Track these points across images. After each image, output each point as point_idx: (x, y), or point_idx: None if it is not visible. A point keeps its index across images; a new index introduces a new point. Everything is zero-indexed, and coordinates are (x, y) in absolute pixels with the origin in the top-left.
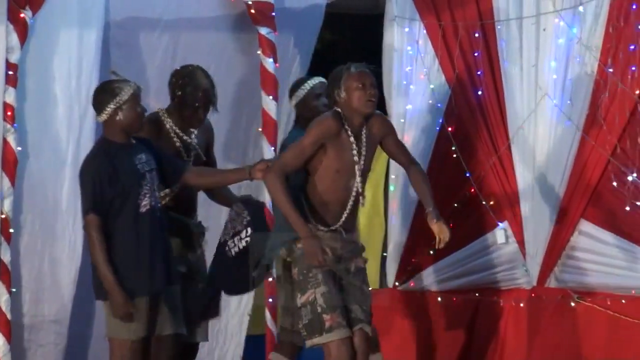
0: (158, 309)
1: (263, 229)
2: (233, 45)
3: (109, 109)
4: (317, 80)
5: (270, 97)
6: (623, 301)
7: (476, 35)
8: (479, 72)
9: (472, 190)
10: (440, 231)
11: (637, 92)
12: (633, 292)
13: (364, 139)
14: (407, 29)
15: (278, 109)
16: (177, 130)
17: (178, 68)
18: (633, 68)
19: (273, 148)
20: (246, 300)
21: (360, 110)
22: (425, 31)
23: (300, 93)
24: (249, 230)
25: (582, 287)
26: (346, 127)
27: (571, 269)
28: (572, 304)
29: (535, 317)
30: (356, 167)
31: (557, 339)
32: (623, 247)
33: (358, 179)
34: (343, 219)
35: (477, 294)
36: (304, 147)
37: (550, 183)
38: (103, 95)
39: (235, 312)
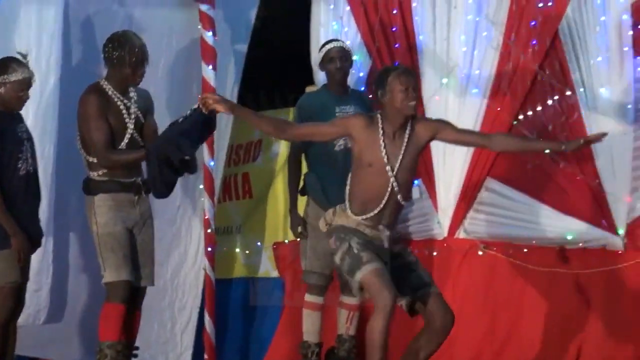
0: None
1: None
2: (179, 20)
3: None
4: (331, 44)
5: (210, 67)
6: (525, 250)
7: (394, 12)
8: (396, 45)
9: None
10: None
11: (537, 63)
12: (534, 242)
13: (405, 140)
14: (332, 7)
15: (216, 77)
16: (118, 94)
17: (108, 37)
18: (534, 42)
19: None
20: (201, 257)
21: (402, 112)
22: (349, 8)
23: (320, 55)
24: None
25: (488, 237)
26: (380, 127)
27: (478, 222)
28: (480, 253)
29: (447, 264)
30: (387, 167)
31: (466, 285)
32: (524, 202)
33: (391, 178)
34: (376, 211)
35: None
36: (322, 125)
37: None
38: None
39: (192, 267)
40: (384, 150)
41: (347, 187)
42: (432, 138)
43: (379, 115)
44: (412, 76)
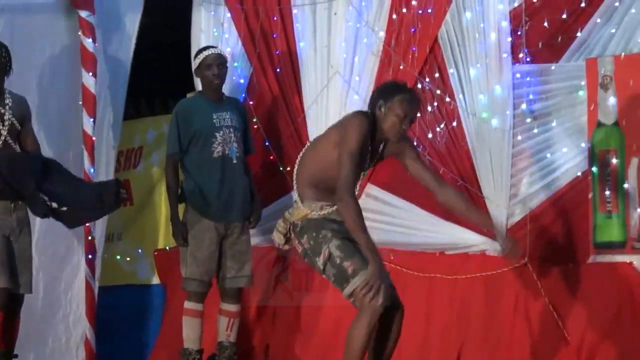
0: None
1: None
2: (60, 27)
3: None
4: (208, 51)
5: (90, 74)
6: (405, 256)
7: (275, 18)
8: (277, 52)
9: (272, 157)
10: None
11: (417, 70)
12: (414, 247)
13: (380, 149)
14: (213, 13)
15: (97, 84)
16: None
17: None
18: (413, 48)
19: (92, 119)
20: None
21: (387, 136)
22: (229, 15)
23: (196, 62)
24: None
25: None
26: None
27: None
28: None
29: None
30: (362, 172)
31: None
32: (404, 208)
33: (361, 178)
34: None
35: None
36: (355, 154)
37: None
38: None
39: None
40: (368, 155)
41: (308, 172)
42: (394, 154)
43: (373, 119)
44: (417, 108)
